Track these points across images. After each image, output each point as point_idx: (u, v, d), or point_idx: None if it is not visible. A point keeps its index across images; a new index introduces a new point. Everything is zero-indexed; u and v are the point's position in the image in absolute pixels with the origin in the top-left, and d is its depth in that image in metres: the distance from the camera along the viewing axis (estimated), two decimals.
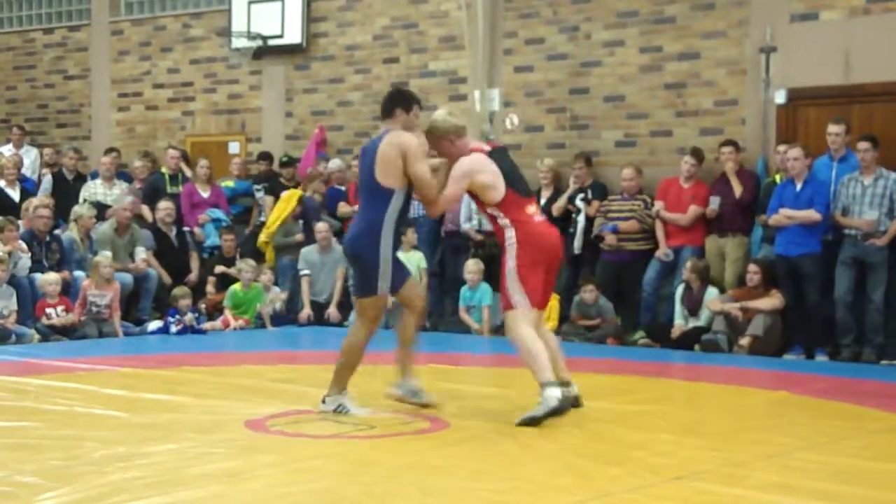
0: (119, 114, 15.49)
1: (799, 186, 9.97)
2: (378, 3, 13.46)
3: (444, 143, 6.49)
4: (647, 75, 11.71)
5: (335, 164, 13.10)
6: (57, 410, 6.50)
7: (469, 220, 11.74)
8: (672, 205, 11.05)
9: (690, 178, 11.01)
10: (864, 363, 9.57)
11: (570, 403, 6.44)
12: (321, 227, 12.18)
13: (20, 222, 11.46)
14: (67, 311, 10.80)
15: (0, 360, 8.90)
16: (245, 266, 11.92)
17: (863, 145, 9.77)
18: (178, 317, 11.16)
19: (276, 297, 12.16)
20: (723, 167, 10.84)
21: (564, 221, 11.56)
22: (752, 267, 10.28)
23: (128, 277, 11.55)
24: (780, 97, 10.92)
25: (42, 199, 12.00)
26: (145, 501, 4.37)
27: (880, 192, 9.72)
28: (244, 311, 11.82)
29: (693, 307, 10.60)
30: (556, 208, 11.53)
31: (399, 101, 6.55)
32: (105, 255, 11.21)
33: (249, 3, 13.96)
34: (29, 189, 13.02)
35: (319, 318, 12.06)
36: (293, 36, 13.87)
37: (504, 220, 6.42)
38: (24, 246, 11.01)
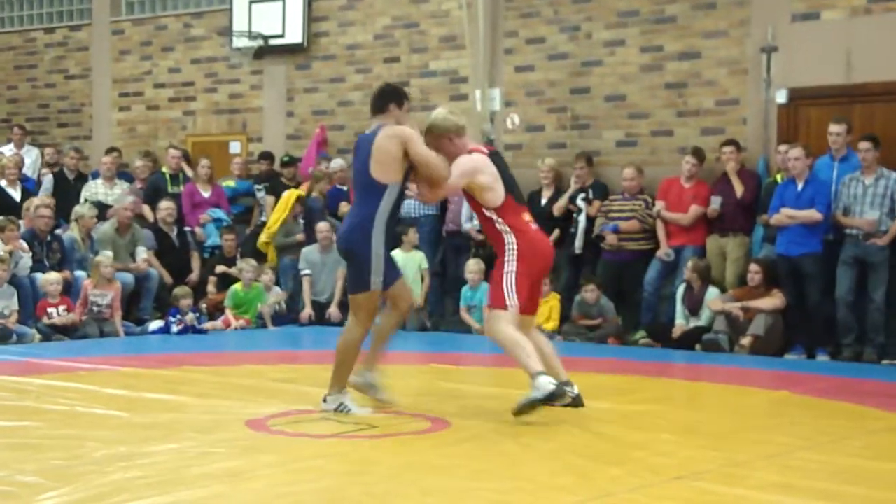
0: (120, 113, 15.49)
1: (800, 186, 9.98)
2: (379, 3, 13.46)
3: (443, 141, 6.49)
4: (648, 75, 11.71)
5: (337, 163, 13.09)
6: (58, 410, 6.50)
7: (470, 220, 11.74)
8: (673, 204, 11.05)
9: (691, 177, 11.01)
10: (865, 363, 9.57)
11: (573, 402, 6.46)
12: (322, 226, 12.18)
13: (21, 222, 11.45)
14: (68, 310, 10.80)
15: (1, 359, 8.90)
16: (246, 266, 11.93)
17: (864, 145, 9.77)
18: (179, 316, 11.17)
19: (278, 297, 12.17)
20: (724, 167, 10.84)
21: (565, 221, 11.58)
22: (754, 267, 10.28)
23: (129, 277, 11.56)
24: (781, 97, 10.92)
25: (43, 199, 12.00)
26: (146, 501, 4.37)
27: (881, 191, 9.72)
28: (245, 311, 11.83)
29: (694, 307, 10.60)
30: (558, 208, 11.54)
31: (392, 97, 6.55)
32: (106, 255, 11.22)
33: (250, 2, 13.97)
34: (30, 189, 13.02)
35: (320, 317, 12.07)
36: (294, 35, 13.88)
37: (503, 226, 6.42)
38: (26, 245, 11.01)
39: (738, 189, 10.66)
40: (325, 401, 6.48)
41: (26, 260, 10.97)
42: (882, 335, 9.73)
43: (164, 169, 13.41)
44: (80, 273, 11.42)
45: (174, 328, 11.11)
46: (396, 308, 6.63)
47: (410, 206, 12.08)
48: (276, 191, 13.01)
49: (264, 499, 4.50)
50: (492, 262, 6.80)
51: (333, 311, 12.04)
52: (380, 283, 6.38)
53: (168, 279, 12.13)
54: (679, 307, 10.68)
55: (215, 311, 11.96)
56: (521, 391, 6.26)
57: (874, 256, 9.72)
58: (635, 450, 5.52)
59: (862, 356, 9.70)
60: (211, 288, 12.32)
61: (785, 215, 9.99)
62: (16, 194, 12.51)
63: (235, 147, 14.51)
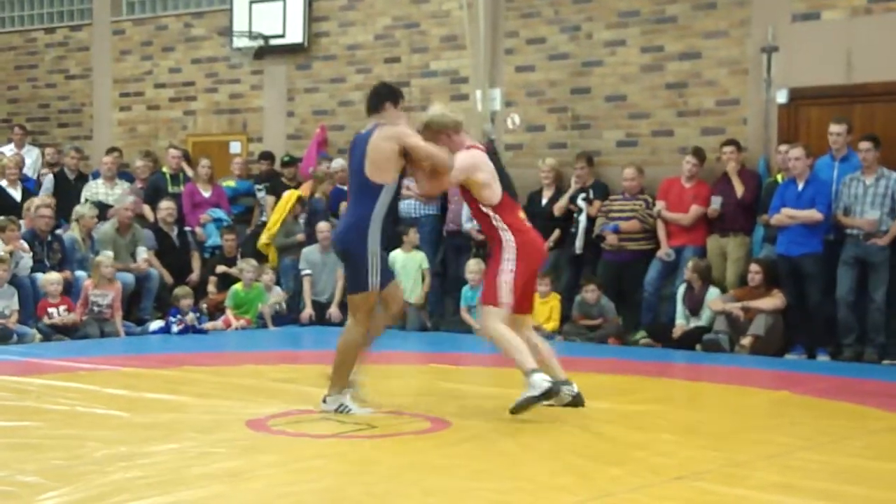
0: (120, 113, 15.49)
1: (800, 186, 9.97)
2: (379, 3, 13.46)
3: (441, 137, 6.51)
4: (649, 75, 11.71)
5: (338, 163, 13.09)
6: (58, 410, 6.50)
7: (470, 221, 11.71)
8: (673, 204, 11.04)
9: (692, 177, 11.01)
10: (865, 363, 9.56)
11: (573, 401, 6.47)
12: (323, 226, 12.17)
13: (22, 222, 11.45)
14: (69, 310, 10.80)
15: (2, 359, 8.90)
16: (246, 266, 11.92)
17: (864, 145, 9.77)
18: (179, 316, 11.17)
19: (278, 297, 12.17)
20: (724, 167, 10.84)
21: (566, 221, 11.57)
22: (754, 267, 10.27)
23: (129, 277, 11.56)
24: (781, 97, 10.92)
25: (44, 199, 12.00)
26: (147, 501, 4.37)
27: (882, 191, 9.72)
28: (245, 311, 11.83)
29: (694, 307, 10.59)
30: (558, 208, 11.53)
31: (388, 96, 6.55)
32: (106, 255, 11.22)
33: (251, 2, 13.97)
34: (30, 189, 13.02)
35: (321, 317, 12.07)
36: (294, 35, 13.87)
37: (500, 223, 6.45)
38: (26, 246, 11.01)
39: (739, 189, 10.66)
40: (324, 401, 6.48)
41: (27, 260, 10.97)
42: (882, 335, 9.73)
43: (164, 169, 13.40)
44: (80, 273, 11.42)
45: (175, 328, 11.11)
46: (387, 309, 6.61)
47: (411, 207, 12.09)
48: (276, 191, 13.01)
49: (265, 499, 4.50)
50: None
51: (334, 312, 12.04)
52: (377, 284, 6.38)
53: (168, 279, 12.13)
54: (679, 307, 10.68)
55: (216, 311, 11.96)
56: (520, 391, 6.26)
57: (875, 256, 9.72)
58: (636, 450, 5.52)
59: (862, 356, 9.69)
60: (211, 288, 12.32)
61: (785, 215, 9.99)
62: (16, 194, 12.52)
63: (236, 147, 14.51)
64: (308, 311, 12.11)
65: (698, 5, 11.42)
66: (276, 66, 14.22)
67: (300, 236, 12.60)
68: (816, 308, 9.93)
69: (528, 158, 12.12)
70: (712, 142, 11.22)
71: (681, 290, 10.71)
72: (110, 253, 11.34)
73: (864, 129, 10.14)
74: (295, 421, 6.21)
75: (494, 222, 6.46)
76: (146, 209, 12.69)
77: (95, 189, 13.12)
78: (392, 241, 11.62)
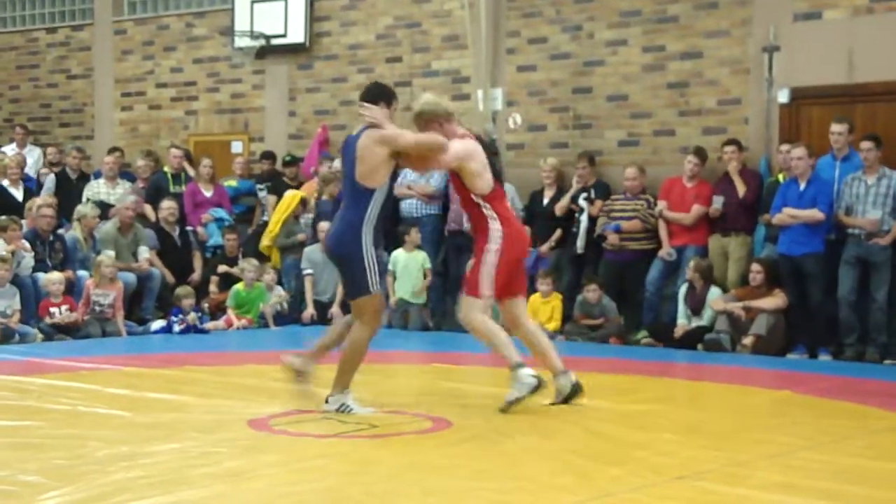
0: (122, 113, 15.50)
1: (802, 186, 9.97)
2: (381, 3, 13.46)
3: (432, 126, 6.56)
4: (650, 74, 11.70)
5: (339, 163, 13.08)
6: (60, 410, 6.51)
7: None
8: (675, 204, 11.04)
9: (693, 177, 11.00)
10: (867, 362, 9.56)
11: (574, 389, 6.62)
12: (323, 226, 12.15)
13: (24, 222, 11.47)
14: (71, 310, 10.81)
15: (3, 359, 8.91)
16: (248, 265, 11.93)
17: (866, 145, 9.76)
18: (181, 316, 11.18)
19: (280, 297, 12.17)
20: (726, 166, 10.84)
21: (567, 221, 11.57)
22: (756, 266, 10.27)
23: (131, 277, 11.56)
24: (783, 96, 10.91)
25: (45, 199, 12.02)
26: (148, 501, 4.37)
27: (883, 191, 9.71)
28: (247, 311, 11.83)
29: (696, 307, 10.59)
30: (560, 208, 11.53)
31: (385, 96, 6.54)
32: (108, 255, 11.22)
33: (252, 2, 13.98)
34: (32, 188, 13.03)
35: (322, 317, 12.06)
36: (296, 35, 13.88)
37: (490, 212, 6.55)
38: (28, 245, 11.02)
39: (740, 189, 10.65)
40: (327, 401, 6.48)
41: (28, 259, 10.98)
42: (884, 335, 9.72)
43: (165, 168, 13.41)
44: (82, 273, 11.43)
45: (176, 328, 11.11)
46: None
47: (413, 206, 12.09)
48: (277, 190, 13.02)
49: (266, 498, 4.50)
50: None
51: (335, 311, 12.03)
52: (378, 285, 6.38)
53: (170, 279, 12.13)
54: (681, 307, 10.68)
55: (217, 310, 11.96)
56: None
57: (876, 256, 9.72)
58: (637, 449, 5.52)
59: (864, 356, 9.69)
60: (213, 287, 12.32)
61: (787, 215, 9.98)
62: (18, 194, 12.53)
63: (237, 147, 14.52)
64: (310, 311, 12.11)
65: (700, 5, 11.42)
66: (278, 65, 14.23)
67: (301, 236, 12.60)
68: (818, 308, 9.93)
69: (530, 158, 12.13)
70: (714, 141, 11.21)
71: (682, 289, 10.71)
72: (112, 252, 11.34)
73: (866, 128, 10.13)
74: (296, 421, 6.21)
75: (485, 211, 6.54)
76: (148, 209, 12.70)
77: (97, 189, 13.13)
78: (393, 240, 11.62)
